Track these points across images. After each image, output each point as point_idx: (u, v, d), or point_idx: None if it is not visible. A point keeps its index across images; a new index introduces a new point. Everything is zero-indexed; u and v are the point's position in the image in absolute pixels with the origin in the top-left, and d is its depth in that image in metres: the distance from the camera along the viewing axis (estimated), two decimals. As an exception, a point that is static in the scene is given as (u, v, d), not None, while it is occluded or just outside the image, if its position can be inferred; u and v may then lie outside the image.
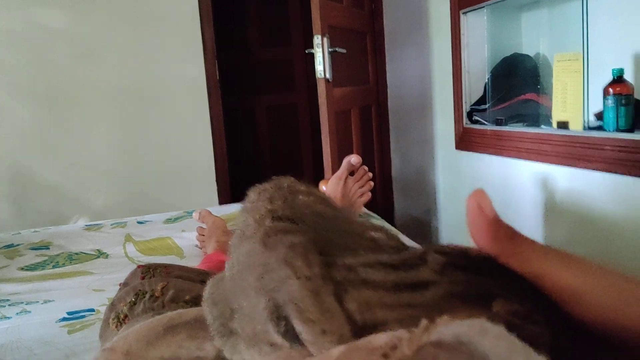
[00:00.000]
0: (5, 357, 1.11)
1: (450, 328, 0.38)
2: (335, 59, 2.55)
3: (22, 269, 1.72)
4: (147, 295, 0.92)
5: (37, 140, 3.12)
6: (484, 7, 2.41)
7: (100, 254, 1.83)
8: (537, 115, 2.27)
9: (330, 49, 2.49)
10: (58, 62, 3.10)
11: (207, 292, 0.49)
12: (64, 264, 1.74)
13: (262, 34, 4.80)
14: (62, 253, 1.85)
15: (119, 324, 0.89)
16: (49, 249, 1.92)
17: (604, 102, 1.80)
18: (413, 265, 0.41)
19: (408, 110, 3.26)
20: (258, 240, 0.42)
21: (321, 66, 2.48)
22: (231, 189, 3.50)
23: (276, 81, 4.85)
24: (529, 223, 2.24)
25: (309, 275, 0.41)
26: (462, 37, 2.55)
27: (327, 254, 0.44)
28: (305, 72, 4.85)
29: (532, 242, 0.43)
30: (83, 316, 1.31)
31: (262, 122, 4.87)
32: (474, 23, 2.53)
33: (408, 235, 1.99)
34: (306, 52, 2.67)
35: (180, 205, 2.74)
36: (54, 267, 1.72)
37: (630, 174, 1.72)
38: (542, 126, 2.18)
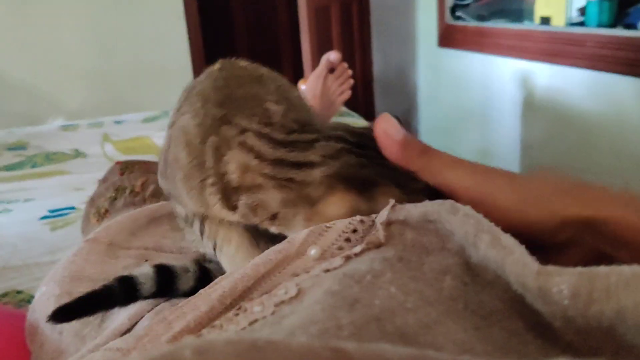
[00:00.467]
0: (-10, 253, 1.13)
1: (419, 206, 0.40)
2: (314, -51, 2.43)
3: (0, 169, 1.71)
4: (128, 191, 0.93)
5: (7, 39, 2.99)
6: None
7: (78, 153, 1.82)
8: (520, 11, 2.22)
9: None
10: (20, -48, 2.91)
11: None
12: (42, 164, 1.74)
13: None
14: (40, 153, 1.84)
15: (100, 218, 0.90)
16: (25, 149, 1.91)
17: (588, -3, 1.76)
18: (303, 148, 0.46)
19: (390, 6, 3.17)
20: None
21: (300, -42, 2.37)
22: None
23: (253, -25, 4.64)
24: (509, 120, 2.26)
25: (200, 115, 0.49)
26: None
27: (230, 110, 0.48)
28: (283, -35, 4.64)
29: (441, 155, 0.45)
30: (64, 214, 1.32)
31: (239, 18, 4.71)
32: None
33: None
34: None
35: (156, 105, 2.70)
36: (32, 167, 1.71)
37: (610, 71, 1.71)
38: (525, 22, 2.14)
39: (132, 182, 0.95)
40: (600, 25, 1.74)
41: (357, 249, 0.40)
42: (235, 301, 0.42)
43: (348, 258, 0.39)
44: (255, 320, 0.37)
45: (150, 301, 0.60)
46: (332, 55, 1.65)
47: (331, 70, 1.67)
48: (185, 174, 0.51)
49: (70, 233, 1.20)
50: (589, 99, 1.83)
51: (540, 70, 2.04)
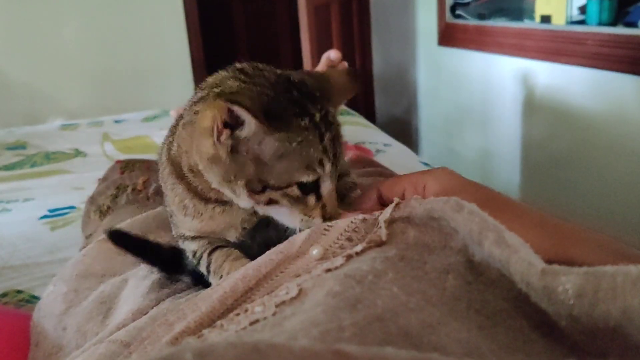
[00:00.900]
0: (-10, 254, 1.13)
1: (424, 204, 0.39)
2: (314, -52, 2.43)
3: (-1, 168, 1.70)
4: (129, 189, 0.93)
5: (7, 39, 2.99)
6: None
7: (78, 153, 1.82)
8: (520, 9, 2.22)
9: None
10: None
11: None
12: (41, 163, 1.73)
13: None
14: (39, 153, 1.83)
15: (101, 214, 0.91)
16: (25, 148, 1.90)
17: (588, -5, 1.76)
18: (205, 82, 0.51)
19: (390, 4, 3.16)
20: None
21: (299, -44, 2.36)
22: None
23: (253, -26, 4.63)
24: (509, 119, 2.25)
25: None
26: None
27: None
28: (283, -36, 4.63)
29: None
30: (64, 213, 1.31)
31: (239, 18, 4.70)
32: None
33: (390, 134, 2.00)
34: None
35: (156, 104, 2.70)
36: (31, 166, 1.71)
37: (610, 69, 1.71)
38: (525, 20, 2.14)
39: (134, 180, 0.96)
40: (600, 24, 1.73)
41: (359, 248, 0.39)
42: (236, 302, 0.41)
43: (349, 257, 0.39)
44: (256, 321, 0.37)
45: (153, 297, 0.60)
46: (332, 54, 1.64)
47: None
48: None
49: (70, 233, 1.19)
50: (589, 97, 1.83)
51: (541, 69, 2.03)
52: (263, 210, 0.50)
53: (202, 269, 0.59)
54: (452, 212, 0.36)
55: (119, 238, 0.61)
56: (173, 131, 0.57)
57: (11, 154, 1.84)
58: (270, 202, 0.48)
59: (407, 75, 3.10)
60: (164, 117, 2.19)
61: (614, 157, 1.72)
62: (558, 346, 0.30)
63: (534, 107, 2.14)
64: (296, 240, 0.44)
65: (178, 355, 0.20)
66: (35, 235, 1.19)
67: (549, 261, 0.33)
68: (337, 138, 0.49)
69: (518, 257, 0.31)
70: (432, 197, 0.43)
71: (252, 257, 0.48)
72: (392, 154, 1.68)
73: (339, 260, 0.39)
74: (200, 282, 0.61)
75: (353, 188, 0.61)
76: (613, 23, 1.74)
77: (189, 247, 0.60)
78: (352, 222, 0.43)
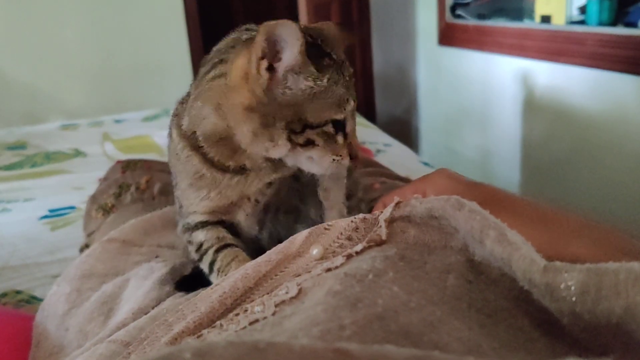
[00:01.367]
0: (-11, 253, 1.13)
1: (424, 202, 0.39)
2: (314, -52, 2.43)
3: (-1, 168, 1.70)
4: (133, 188, 0.94)
5: (7, 39, 2.99)
6: None
7: (78, 153, 1.82)
8: (521, 9, 2.22)
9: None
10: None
11: None
12: (42, 163, 1.73)
13: None
14: (40, 153, 1.83)
15: (105, 212, 0.91)
16: (25, 148, 1.90)
17: (588, -5, 1.76)
18: (218, 50, 0.54)
19: (390, 4, 3.16)
20: None
21: (299, -44, 2.36)
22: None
23: (253, -27, 4.63)
24: (509, 119, 2.25)
25: None
26: None
27: None
28: (283, -37, 4.63)
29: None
30: (64, 213, 1.31)
31: (239, 17, 4.70)
32: None
33: (390, 134, 2.00)
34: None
35: (156, 104, 2.69)
36: (32, 166, 1.71)
37: (610, 69, 1.71)
38: (525, 20, 2.14)
39: (136, 179, 0.96)
40: (600, 24, 1.73)
41: (359, 247, 0.39)
42: (236, 302, 0.41)
43: (349, 257, 0.39)
44: (256, 321, 0.37)
45: (153, 297, 0.60)
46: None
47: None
48: None
49: (71, 233, 1.19)
50: (589, 97, 1.83)
51: (541, 69, 2.03)
52: (294, 158, 0.52)
53: (205, 265, 0.59)
54: (453, 211, 0.36)
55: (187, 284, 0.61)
56: (178, 111, 0.58)
57: (11, 154, 1.84)
58: (307, 143, 0.50)
59: (407, 75, 3.10)
60: (164, 116, 2.19)
61: (614, 157, 1.72)
62: (559, 344, 0.30)
63: (534, 107, 2.14)
64: (296, 239, 0.44)
65: (177, 354, 0.20)
66: (36, 236, 1.19)
67: (550, 258, 0.34)
68: (351, 77, 0.52)
69: (520, 254, 0.31)
70: None
71: (261, 249, 0.48)
72: (392, 154, 1.68)
73: (339, 260, 0.39)
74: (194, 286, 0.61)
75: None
76: (613, 23, 1.74)
77: (196, 238, 0.59)
78: (352, 221, 0.43)
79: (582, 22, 1.84)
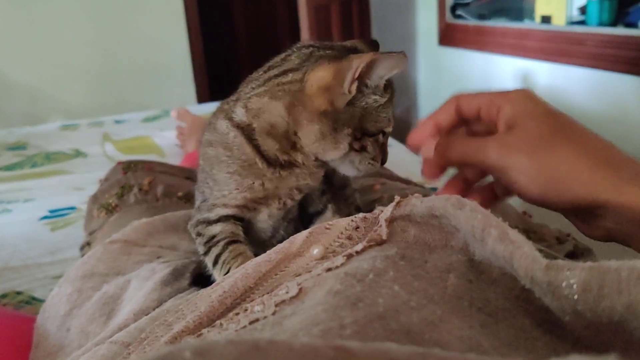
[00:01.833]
0: (-10, 254, 1.12)
1: (425, 201, 0.39)
2: (314, -52, 2.43)
3: (-1, 169, 1.70)
4: (136, 189, 0.94)
5: (7, 39, 2.99)
6: None
7: (78, 153, 1.82)
8: (521, 10, 2.22)
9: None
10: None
11: None
12: (42, 163, 1.73)
13: None
14: (40, 153, 1.83)
15: (108, 212, 0.91)
16: (25, 149, 1.90)
17: (588, -5, 1.76)
18: (284, 60, 0.58)
19: (390, 4, 3.16)
20: None
21: (300, -43, 2.36)
22: (209, 86, 3.44)
23: (253, -26, 4.63)
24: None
25: None
26: None
27: None
28: (283, -35, 4.63)
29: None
30: (65, 214, 1.31)
31: (239, 18, 4.70)
32: None
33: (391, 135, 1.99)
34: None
35: (156, 104, 2.69)
36: (32, 167, 1.71)
37: (611, 70, 1.71)
38: (526, 20, 2.14)
39: (139, 180, 0.96)
40: (600, 24, 1.73)
41: (359, 246, 0.39)
42: (235, 301, 0.41)
43: (350, 256, 0.39)
44: (256, 320, 0.37)
45: (155, 297, 0.60)
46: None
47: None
48: None
49: (71, 233, 1.19)
50: (589, 97, 1.83)
51: (541, 69, 2.03)
52: (340, 161, 0.58)
53: (210, 258, 0.60)
54: (454, 210, 0.36)
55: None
56: (224, 107, 0.62)
57: (11, 154, 1.84)
58: (361, 149, 0.57)
59: (407, 75, 3.10)
60: (164, 117, 2.18)
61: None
62: (560, 343, 0.30)
63: (535, 107, 2.13)
64: (296, 239, 0.44)
65: (177, 353, 0.20)
66: (36, 236, 1.19)
67: (606, 203, 0.36)
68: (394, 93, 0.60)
69: (522, 252, 0.31)
70: (504, 122, 0.44)
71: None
72: (392, 154, 1.67)
73: (340, 259, 0.39)
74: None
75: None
76: (613, 23, 1.74)
77: (210, 231, 0.61)
78: (352, 220, 0.43)
79: (582, 23, 1.84)
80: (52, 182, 1.56)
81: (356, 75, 0.53)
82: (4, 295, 0.98)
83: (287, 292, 0.37)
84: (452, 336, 0.28)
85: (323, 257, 0.42)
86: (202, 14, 3.47)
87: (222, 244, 0.59)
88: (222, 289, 0.42)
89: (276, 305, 0.37)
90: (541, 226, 0.82)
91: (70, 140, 1.97)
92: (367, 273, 0.34)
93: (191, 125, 1.74)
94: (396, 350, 0.21)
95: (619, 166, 0.40)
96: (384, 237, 0.40)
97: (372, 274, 0.33)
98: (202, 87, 3.35)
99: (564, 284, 0.28)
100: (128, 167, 1.01)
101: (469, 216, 0.35)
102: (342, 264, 0.38)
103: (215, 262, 0.59)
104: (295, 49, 0.60)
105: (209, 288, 0.45)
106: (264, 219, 0.62)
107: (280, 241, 0.56)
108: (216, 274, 0.59)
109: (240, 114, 0.58)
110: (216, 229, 0.61)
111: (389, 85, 0.57)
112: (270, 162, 0.58)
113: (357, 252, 0.39)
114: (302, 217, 0.66)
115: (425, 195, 0.42)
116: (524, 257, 0.30)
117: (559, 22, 1.91)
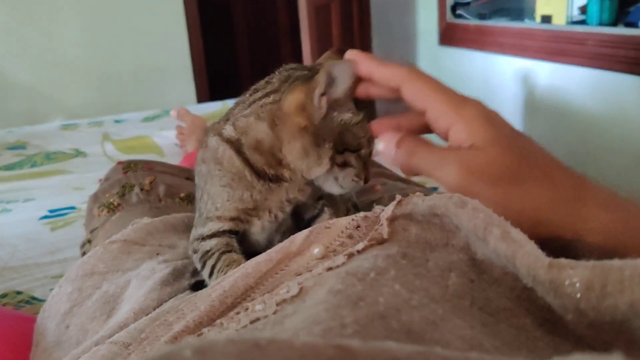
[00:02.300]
0: (-10, 254, 1.12)
1: (426, 200, 0.39)
2: (314, -52, 2.43)
3: (-1, 168, 1.70)
4: (137, 188, 0.94)
5: (7, 39, 2.99)
6: None
7: (78, 153, 1.82)
8: (521, 9, 2.22)
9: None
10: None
11: None
12: (42, 163, 1.73)
13: None
14: (40, 153, 1.83)
15: (109, 210, 0.91)
16: (25, 148, 1.90)
17: (589, -5, 1.76)
18: (267, 82, 0.59)
19: (391, 4, 3.16)
20: None
21: (300, -44, 2.36)
22: (209, 86, 3.44)
23: (253, -26, 4.63)
24: (510, 119, 2.25)
25: None
26: None
27: None
28: (283, -36, 4.63)
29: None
30: (64, 214, 1.31)
31: (239, 18, 4.70)
32: None
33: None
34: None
35: (156, 104, 2.69)
36: (32, 166, 1.71)
37: (611, 69, 1.71)
38: (526, 20, 2.14)
39: (140, 180, 0.96)
40: (601, 24, 1.73)
41: (360, 246, 0.39)
42: (236, 300, 0.41)
43: (351, 256, 0.39)
44: (257, 319, 0.36)
45: (155, 297, 0.60)
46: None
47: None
48: None
49: (71, 233, 1.19)
50: (590, 97, 1.83)
51: (542, 69, 2.03)
52: (323, 178, 0.59)
53: (206, 270, 0.60)
54: (455, 209, 0.36)
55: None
56: (213, 126, 0.64)
57: (11, 154, 1.84)
58: (344, 164, 0.58)
59: (407, 76, 3.09)
60: (164, 117, 2.19)
61: (614, 157, 1.72)
62: (562, 342, 0.29)
63: (535, 107, 2.14)
64: (296, 238, 0.44)
65: (178, 352, 0.20)
66: (36, 236, 1.19)
67: (573, 238, 0.35)
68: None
69: (524, 251, 0.30)
70: (457, 141, 0.43)
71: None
72: (392, 153, 1.68)
73: (340, 259, 0.39)
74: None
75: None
76: (613, 23, 1.74)
77: (204, 247, 0.62)
78: (353, 219, 0.43)
79: (582, 22, 1.84)
80: (52, 181, 1.56)
81: (322, 91, 0.55)
82: (4, 295, 0.98)
83: (287, 291, 0.37)
84: (453, 335, 0.28)
85: (324, 256, 0.42)
86: (202, 14, 3.47)
87: (216, 255, 0.60)
88: (222, 288, 0.42)
89: (277, 305, 0.37)
90: None
91: (70, 140, 1.97)
92: (368, 272, 0.33)
93: (191, 125, 1.74)
94: (397, 349, 0.21)
95: (586, 197, 0.39)
96: (385, 236, 0.39)
97: (373, 273, 0.33)
98: (201, 87, 3.35)
99: (566, 283, 0.28)
100: (128, 166, 1.01)
101: (470, 215, 0.35)
102: (343, 263, 0.38)
103: (210, 274, 0.60)
104: (277, 72, 0.62)
105: (209, 287, 0.45)
106: (257, 231, 0.63)
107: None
108: (212, 282, 0.59)
109: (229, 130, 0.60)
110: (210, 243, 0.61)
111: (364, 107, 0.59)
112: (259, 174, 0.59)
113: (358, 251, 0.39)
114: (298, 223, 0.67)
115: (426, 195, 0.42)
116: (526, 256, 0.30)
117: (559, 21, 1.91)
